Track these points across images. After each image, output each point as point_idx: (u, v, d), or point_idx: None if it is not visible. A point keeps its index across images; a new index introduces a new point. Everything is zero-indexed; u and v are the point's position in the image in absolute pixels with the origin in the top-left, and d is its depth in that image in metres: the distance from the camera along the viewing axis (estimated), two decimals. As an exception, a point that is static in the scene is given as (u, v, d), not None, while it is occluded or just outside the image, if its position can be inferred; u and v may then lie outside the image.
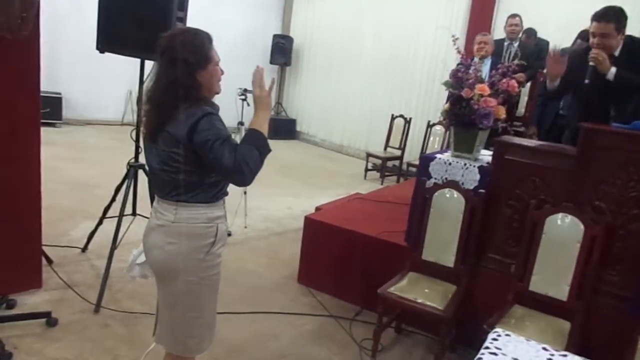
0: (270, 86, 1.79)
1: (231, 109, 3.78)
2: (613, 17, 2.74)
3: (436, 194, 2.79)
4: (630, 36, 2.87)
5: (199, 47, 1.68)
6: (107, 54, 3.11)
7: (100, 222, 3.45)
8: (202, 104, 1.67)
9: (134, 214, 3.42)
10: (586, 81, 2.80)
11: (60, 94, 7.48)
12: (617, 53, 2.84)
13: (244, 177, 1.63)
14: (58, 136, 6.91)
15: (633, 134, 2.37)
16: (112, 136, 7.38)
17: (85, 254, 3.52)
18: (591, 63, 2.79)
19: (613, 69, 2.77)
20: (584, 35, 3.98)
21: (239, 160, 1.60)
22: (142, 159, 3.30)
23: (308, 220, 3.53)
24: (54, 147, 5.99)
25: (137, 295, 3.03)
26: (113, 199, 3.38)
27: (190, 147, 1.64)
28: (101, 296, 2.88)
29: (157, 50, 1.69)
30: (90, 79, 7.75)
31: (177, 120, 1.64)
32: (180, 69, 1.63)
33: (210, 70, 1.72)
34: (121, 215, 3.10)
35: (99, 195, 4.23)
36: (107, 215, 3.40)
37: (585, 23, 3.08)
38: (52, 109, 7.15)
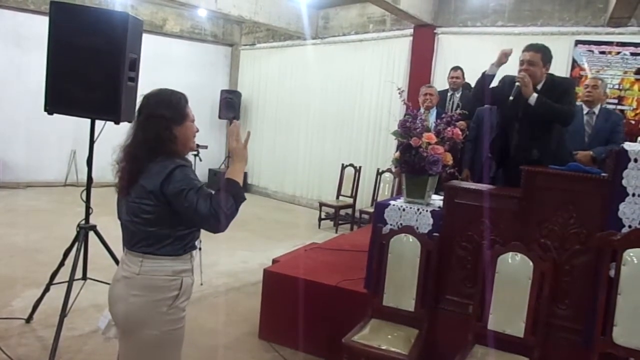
0: (245, 139, 1.86)
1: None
2: (541, 49, 3.07)
3: (393, 239, 2.86)
4: (551, 74, 3.15)
5: (175, 104, 1.77)
6: (47, 114, 3.04)
7: (47, 289, 3.25)
8: (175, 157, 1.73)
9: (84, 278, 3.27)
10: (511, 98, 2.97)
11: (-4, 157, 7.22)
12: (539, 87, 3.08)
13: (219, 224, 1.68)
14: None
15: (569, 174, 2.55)
16: (55, 198, 7.09)
17: (29, 324, 3.29)
18: (517, 83, 2.99)
19: (535, 95, 3.00)
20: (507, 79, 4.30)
21: (214, 207, 1.66)
22: (92, 220, 3.25)
23: (267, 273, 3.49)
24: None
25: (88, 365, 2.86)
26: (61, 264, 3.21)
27: (162, 199, 1.68)
28: (49, 370, 2.70)
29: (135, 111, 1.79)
30: (30, 140, 7.49)
31: (150, 172, 1.70)
32: (157, 123, 1.71)
33: (187, 126, 1.80)
34: (71, 279, 2.96)
35: (43, 261, 4.02)
36: (55, 281, 3.22)
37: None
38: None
